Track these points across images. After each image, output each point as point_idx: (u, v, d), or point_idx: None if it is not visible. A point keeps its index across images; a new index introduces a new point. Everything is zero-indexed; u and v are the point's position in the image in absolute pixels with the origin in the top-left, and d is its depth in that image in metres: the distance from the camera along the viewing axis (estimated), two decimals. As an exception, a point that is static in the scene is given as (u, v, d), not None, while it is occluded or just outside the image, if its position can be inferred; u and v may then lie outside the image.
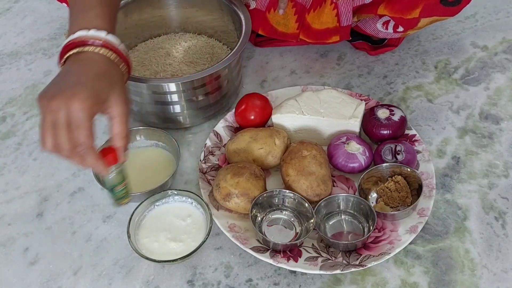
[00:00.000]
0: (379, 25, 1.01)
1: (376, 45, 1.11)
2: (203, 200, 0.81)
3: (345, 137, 0.87)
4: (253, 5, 1.00)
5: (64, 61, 0.70)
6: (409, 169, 0.82)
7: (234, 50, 0.91)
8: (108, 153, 0.69)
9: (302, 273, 0.79)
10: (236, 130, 0.95)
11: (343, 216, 0.83)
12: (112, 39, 0.70)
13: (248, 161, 0.86)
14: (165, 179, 0.84)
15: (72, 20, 0.73)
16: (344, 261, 0.77)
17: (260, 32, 1.04)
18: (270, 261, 0.77)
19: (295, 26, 1.02)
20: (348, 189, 0.87)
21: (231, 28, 1.04)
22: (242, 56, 1.05)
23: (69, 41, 0.69)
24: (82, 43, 0.68)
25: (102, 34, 0.69)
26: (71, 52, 0.69)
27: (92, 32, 0.69)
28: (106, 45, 0.69)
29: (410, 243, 0.80)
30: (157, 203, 0.83)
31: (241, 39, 0.93)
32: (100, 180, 0.84)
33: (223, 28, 1.07)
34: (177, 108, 0.94)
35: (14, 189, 0.91)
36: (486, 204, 0.86)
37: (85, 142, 0.64)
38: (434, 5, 0.91)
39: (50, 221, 0.86)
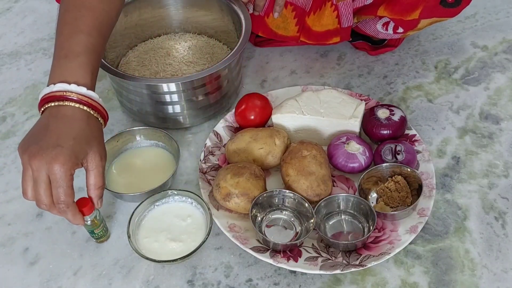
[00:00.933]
0: (379, 26, 1.01)
1: (376, 45, 1.11)
2: (203, 200, 0.81)
3: (345, 137, 0.87)
4: (251, 10, 1.00)
5: (44, 109, 0.72)
6: (409, 169, 0.82)
7: (234, 50, 0.91)
8: (85, 204, 0.74)
9: (302, 273, 0.79)
10: (236, 130, 0.95)
11: (343, 216, 0.83)
12: (91, 94, 0.72)
13: (248, 161, 0.86)
14: (165, 179, 0.84)
15: (54, 65, 0.73)
16: (344, 261, 0.77)
17: (260, 34, 1.04)
18: (270, 261, 0.77)
19: (295, 29, 1.02)
20: (348, 189, 0.87)
21: (231, 28, 1.04)
22: (242, 56, 1.05)
23: (50, 92, 0.71)
24: (62, 97, 0.70)
25: (83, 90, 0.71)
26: (51, 104, 0.70)
27: (73, 87, 0.71)
28: (85, 102, 0.71)
29: (410, 243, 0.80)
30: (157, 203, 0.83)
31: (241, 39, 0.93)
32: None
33: (223, 28, 1.07)
34: (177, 108, 0.94)
35: (14, 189, 0.91)
36: (486, 204, 0.86)
37: (65, 199, 0.68)
38: (434, 7, 0.91)
39: (50, 221, 0.86)
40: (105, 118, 0.75)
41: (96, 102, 0.73)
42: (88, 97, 0.71)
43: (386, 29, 1.01)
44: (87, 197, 0.74)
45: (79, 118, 0.70)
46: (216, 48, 1.08)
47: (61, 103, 0.70)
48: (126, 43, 1.07)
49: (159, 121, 0.96)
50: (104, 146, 0.74)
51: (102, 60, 0.89)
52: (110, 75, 0.90)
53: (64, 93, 0.70)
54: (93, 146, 0.71)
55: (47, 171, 0.67)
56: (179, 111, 0.94)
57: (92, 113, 0.72)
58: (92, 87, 0.73)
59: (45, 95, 0.71)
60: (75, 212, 0.70)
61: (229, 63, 0.90)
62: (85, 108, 0.71)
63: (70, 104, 0.70)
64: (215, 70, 0.88)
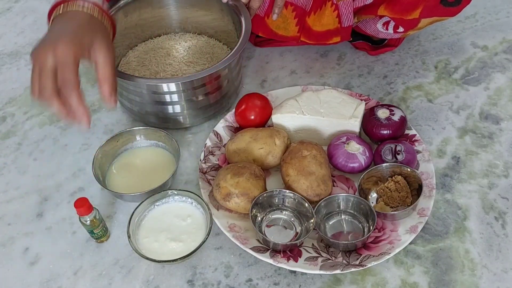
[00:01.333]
0: (379, 26, 1.01)
1: (376, 45, 1.11)
2: (203, 200, 0.81)
3: (345, 137, 0.87)
4: None
5: (52, 21, 0.74)
6: (409, 169, 0.82)
7: (234, 50, 0.91)
8: (82, 204, 0.75)
9: (302, 273, 0.79)
10: (236, 130, 0.95)
11: (343, 216, 0.83)
12: None
13: (248, 161, 0.86)
14: (165, 179, 0.84)
15: None
16: (344, 261, 0.77)
17: (260, 34, 1.04)
18: (270, 261, 0.77)
19: (296, 29, 1.02)
20: (348, 189, 0.87)
21: (231, 28, 1.04)
22: (242, 56, 1.05)
23: (54, 3, 0.73)
24: (65, 0, 0.72)
25: None
26: (56, 12, 0.73)
27: None
28: (89, 2, 0.73)
29: (410, 243, 0.80)
30: (157, 203, 0.83)
31: (241, 39, 0.93)
32: (100, 180, 0.85)
33: (223, 28, 1.07)
34: (177, 108, 0.94)
35: (14, 189, 0.91)
36: (486, 204, 0.86)
37: (70, 79, 0.67)
38: (434, 6, 0.91)
39: (50, 221, 0.86)
40: (112, 21, 0.76)
41: (100, 5, 0.74)
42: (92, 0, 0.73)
43: (387, 29, 1.01)
44: (86, 198, 0.75)
45: (84, 17, 0.72)
46: (216, 48, 1.08)
47: (65, 8, 0.72)
48: (126, 43, 1.07)
49: (159, 121, 0.96)
50: (111, 41, 0.74)
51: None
52: (110, 75, 0.90)
53: None
54: (98, 37, 0.71)
55: (53, 55, 0.67)
56: (179, 111, 0.94)
57: (96, 14, 0.73)
58: None
59: (51, 6, 0.73)
60: (79, 99, 0.68)
61: (229, 63, 0.90)
62: (89, 9, 0.72)
63: (74, 7, 0.72)
64: (215, 70, 0.88)
